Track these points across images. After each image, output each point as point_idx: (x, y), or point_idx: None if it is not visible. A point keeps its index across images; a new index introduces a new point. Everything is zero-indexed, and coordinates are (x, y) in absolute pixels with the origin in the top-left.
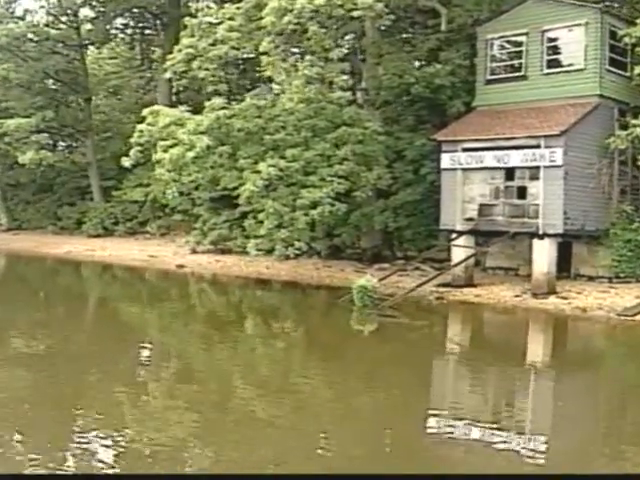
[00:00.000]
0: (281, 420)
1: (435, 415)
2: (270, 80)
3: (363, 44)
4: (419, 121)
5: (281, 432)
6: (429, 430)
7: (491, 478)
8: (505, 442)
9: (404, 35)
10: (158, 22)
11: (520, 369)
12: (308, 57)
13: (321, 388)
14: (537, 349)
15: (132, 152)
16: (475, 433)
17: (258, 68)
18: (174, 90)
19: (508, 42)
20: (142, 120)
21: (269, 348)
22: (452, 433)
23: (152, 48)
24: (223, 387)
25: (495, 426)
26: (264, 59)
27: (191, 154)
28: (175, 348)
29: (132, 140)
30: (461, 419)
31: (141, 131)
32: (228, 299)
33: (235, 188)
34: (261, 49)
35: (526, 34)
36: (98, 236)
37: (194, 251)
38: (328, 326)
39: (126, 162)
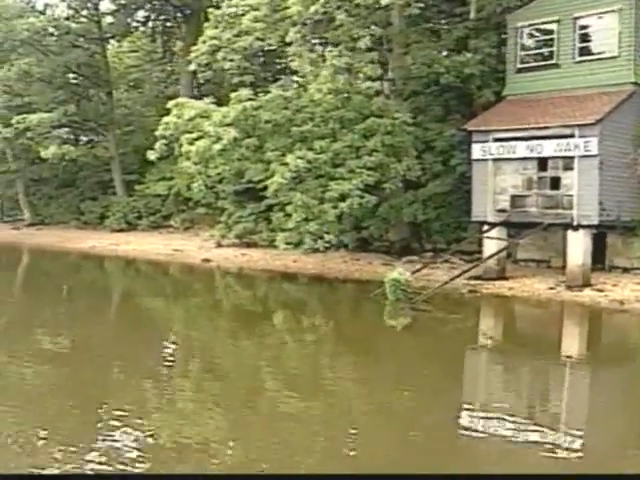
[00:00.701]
0: (311, 416)
1: (469, 410)
2: (292, 72)
3: (389, 34)
4: (447, 111)
5: (311, 428)
6: (462, 425)
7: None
8: (540, 438)
9: (431, 24)
10: (179, 14)
11: (556, 363)
12: (335, 47)
13: (353, 383)
14: (573, 343)
15: (157, 145)
16: (509, 429)
17: (280, 59)
18: (196, 83)
19: (539, 30)
20: (166, 113)
21: (299, 343)
22: (486, 428)
23: (173, 41)
24: (251, 383)
25: (530, 421)
26: (290, 50)
27: (218, 146)
28: (203, 343)
29: (157, 133)
30: (495, 414)
31: (166, 123)
32: (255, 293)
33: (260, 181)
34: (287, 39)
35: (557, 21)
36: (121, 230)
37: (219, 245)
38: (359, 320)
39: (152, 155)
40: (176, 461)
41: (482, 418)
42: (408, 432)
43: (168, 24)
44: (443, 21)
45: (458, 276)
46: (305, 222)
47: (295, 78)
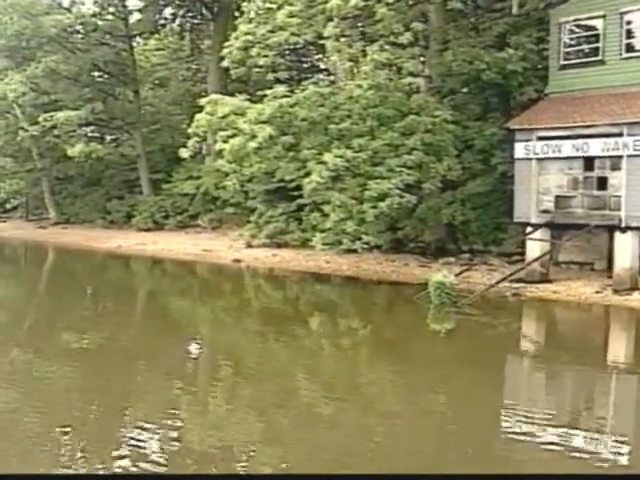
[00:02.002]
0: (347, 421)
1: (511, 416)
2: (318, 70)
3: (427, 30)
4: (486, 109)
5: (347, 433)
6: (504, 431)
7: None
8: (584, 445)
9: (469, 20)
10: (208, 11)
11: (602, 369)
12: (375, 42)
13: (391, 388)
14: (620, 348)
15: (190, 142)
16: (552, 434)
17: (306, 57)
18: (224, 81)
19: (583, 26)
20: (194, 111)
21: (336, 347)
22: (528, 435)
23: (201, 38)
24: (285, 386)
25: (574, 428)
26: (329, 45)
27: (253, 144)
28: (235, 345)
29: (190, 130)
30: (540, 422)
31: (199, 121)
32: (288, 294)
33: (292, 180)
34: (325, 34)
35: (603, 17)
36: (148, 230)
37: (249, 245)
38: (399, 324)
39: (184, 153)
40: (210, 461)
41: (525, 424)
42: (447, 437)
43: (196, 21)
44: (482, 17)
45: (504, 279)
46: (343, 222)
47: (321, 76)
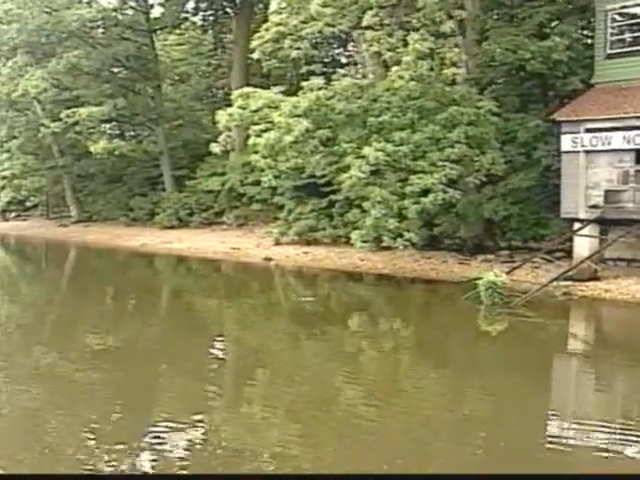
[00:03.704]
0: (389, 425)
1: (560, 420)
2: (342, 64)
3: (465, 19)
4: (526, 101)
5: (388, 438)
6: (551, 435)
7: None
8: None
9: (507, 9)
10: (231, 4)
11: None
12: (415, 31)
13: (436, 391)
14: None
15: (221, 137)
16: (602, 439)
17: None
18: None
19: (630, 13)
20: (220, 105)
21: (379, 349)
22: (578, 439)
23: (225, 32)
24: (322, 389)
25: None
26: (367, 34)
27: (289, 138)
28: (269, 346)
29: (220, 125)
30: (596, 431)
31: (231, 114)
32: (323, 293)
33: (324, 175)
34: (364, 23)
35: None
36: (172, 227)
37: (277, 242)
38: (446, 325)
39: (215, 148)
40: (249, 465)
41: (578, 432)
42: (491, 442)
43: (219, 14)
44: (520, 6)
45: (557, 278)
46: (384, 219)
47: (342, 70)
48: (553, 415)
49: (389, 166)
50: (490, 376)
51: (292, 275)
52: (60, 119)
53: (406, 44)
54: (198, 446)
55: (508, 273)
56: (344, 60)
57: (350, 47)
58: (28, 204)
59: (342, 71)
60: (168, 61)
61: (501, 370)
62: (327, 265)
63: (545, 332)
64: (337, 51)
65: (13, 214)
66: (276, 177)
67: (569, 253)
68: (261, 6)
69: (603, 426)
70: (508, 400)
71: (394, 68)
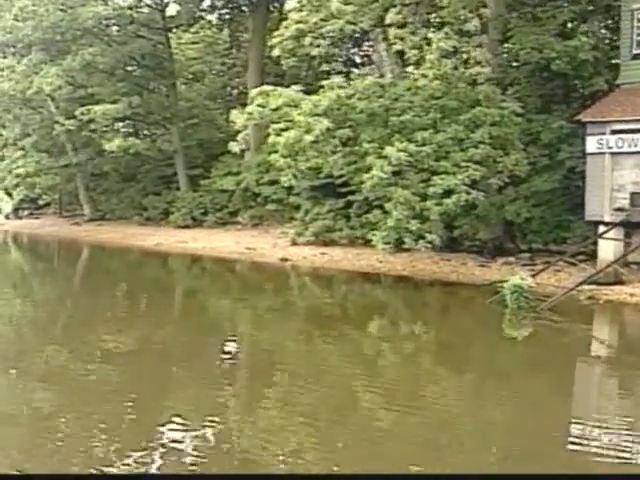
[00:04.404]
0: (407, 432)
1: (582, 426)
2: (355, 64)
3: (487, 18)
4: (550, 101)
5: (407, 445)
6: (573, 442)
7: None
8: None
9: (530, 9)
10: (247, 3)
11: None
12: (439, 29)
13: (457, 396)
14: None
15: (240, 136)
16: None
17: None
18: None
19: None
20: (235, 105)
21: (405, 354)
22: (599, 444)
23: (240, 31)
24: (339, 393)
25: None
26: (391, 32)
27: (309, 137)
28: (288, 348)
29: (239, 123)
30: (620, 436)
31: (250, 113)
32: (346, 296)
33: (341, 175)
34: (387, 21)
35: None
36: (186, 227)
37: (294, 243)
38: (470, 329)
39: (234, 147)
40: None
41: (601, 442)
42: (511, 448)
43: (235, 12)
44: (543, 5)
45: (584, 282)
46: (407, 220)
47: (355, 71)
48: (585, 423)
49: (411, 166)
50: (524, 381)
51: (309, 276)
52: (75, 117)
53: (429, 42)
54: (212, 449)
55: (533, 276)
56: (358, 60)
57: (365, 46)
58: (41, 202)
59: (356, 71)
60: (183, 59)
61: (532, 375)
62: (344, 266)
63: (573, 337)
64: (352, 51)
65: (26, 212)
66: (295, 177)
67: (591, 256)
68: (277, 4)
69: (627, 432)
70: (540, 407)
71: (410, 67)
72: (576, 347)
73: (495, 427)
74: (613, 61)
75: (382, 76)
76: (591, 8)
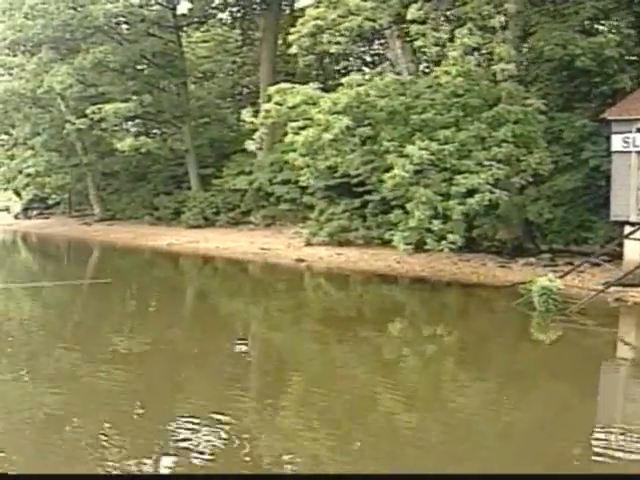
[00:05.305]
0: (428, 437)
1: (606, 433)
2: (373, 62)
3: (508, 14)
4: (572, 99)
5: (428, 451)
6: (597, 451)
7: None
8: None
9: (551, 5)
10: (258, 1)
11: None
12: (462, 26)
13: (480, 401)
14: None
15: (257, 134)
16: None
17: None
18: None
19: None
20: (246, 104)
21: (432, 360)
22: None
23: (253, 29)
24: (356, 396)
25: None
26: (412, 29)
27: (328, 136)
28: (305, 351)
29: (257, 121)
30: None
31: (267, 111)
32: (365, 297)
33: (358, 175)
34: (408, 17)
35: None
36: (198, 227)
37: (308, 243)
38: (496, 333)
39: (251, 145)
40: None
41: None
42: (529, 454)
43: (247, 10)
44: (563, 2)
45: (613, 283)
46: (429, 220)
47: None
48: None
49: (433, 165)
50: (559, 385)
51: (325, 277)
52: (85, 116)
53: (452, 39)
54: (227, 450)
55: (561, 278)
56: (368, 58)
57: (377, 44)
58: (50, 202)
59: (367, 69)
60: (193, 58)
61: (566, 380)
62: (361, 267)
63: (604, 340)
64: (363, 49)
65: (35, 212)
66: (313, 176)
67: (614, 257)
68: (288, 2)
69: None
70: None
71: (427, 64)
72: (609, 351)
73: (516, 432)
74: (637, 58)
75: (398, 74)
76: (612, 6)
